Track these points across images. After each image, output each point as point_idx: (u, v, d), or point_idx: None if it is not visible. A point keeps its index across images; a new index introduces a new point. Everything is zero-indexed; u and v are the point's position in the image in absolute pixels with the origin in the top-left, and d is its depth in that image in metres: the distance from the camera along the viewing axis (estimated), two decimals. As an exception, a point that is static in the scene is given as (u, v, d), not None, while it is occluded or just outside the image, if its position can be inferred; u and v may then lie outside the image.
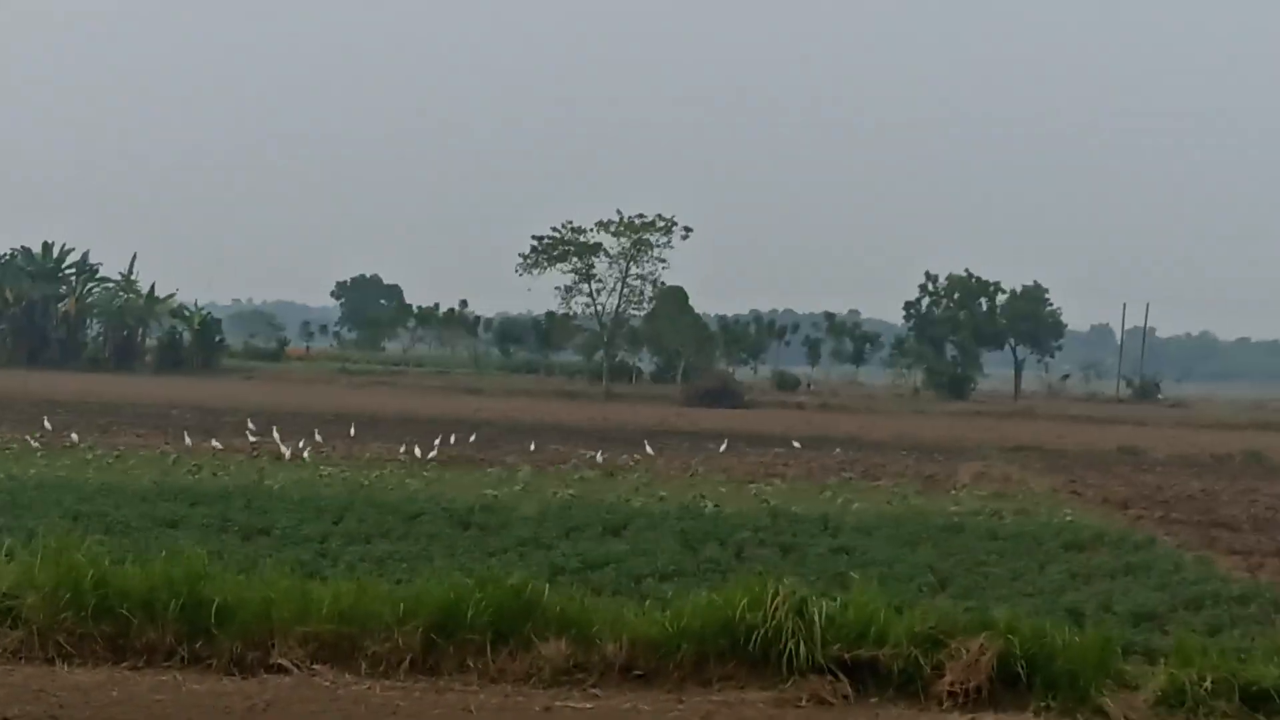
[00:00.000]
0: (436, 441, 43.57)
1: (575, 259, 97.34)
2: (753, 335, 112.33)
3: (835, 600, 15.98)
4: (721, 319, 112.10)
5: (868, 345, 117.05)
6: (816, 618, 15.40)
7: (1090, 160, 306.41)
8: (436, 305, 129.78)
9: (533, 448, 45.49)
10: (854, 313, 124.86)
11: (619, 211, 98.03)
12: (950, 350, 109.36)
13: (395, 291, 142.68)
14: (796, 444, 52.63)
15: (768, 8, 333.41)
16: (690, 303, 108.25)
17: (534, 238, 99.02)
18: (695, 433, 59.09)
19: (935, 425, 78.47)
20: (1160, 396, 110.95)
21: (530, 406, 79.87)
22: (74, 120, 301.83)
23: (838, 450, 52.53)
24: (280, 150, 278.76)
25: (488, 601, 15.27)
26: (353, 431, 49.14)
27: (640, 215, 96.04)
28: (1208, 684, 14.85)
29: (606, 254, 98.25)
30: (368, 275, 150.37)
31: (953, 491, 38.64)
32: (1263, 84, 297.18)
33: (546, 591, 15.89)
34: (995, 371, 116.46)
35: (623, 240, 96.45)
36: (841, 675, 15.13)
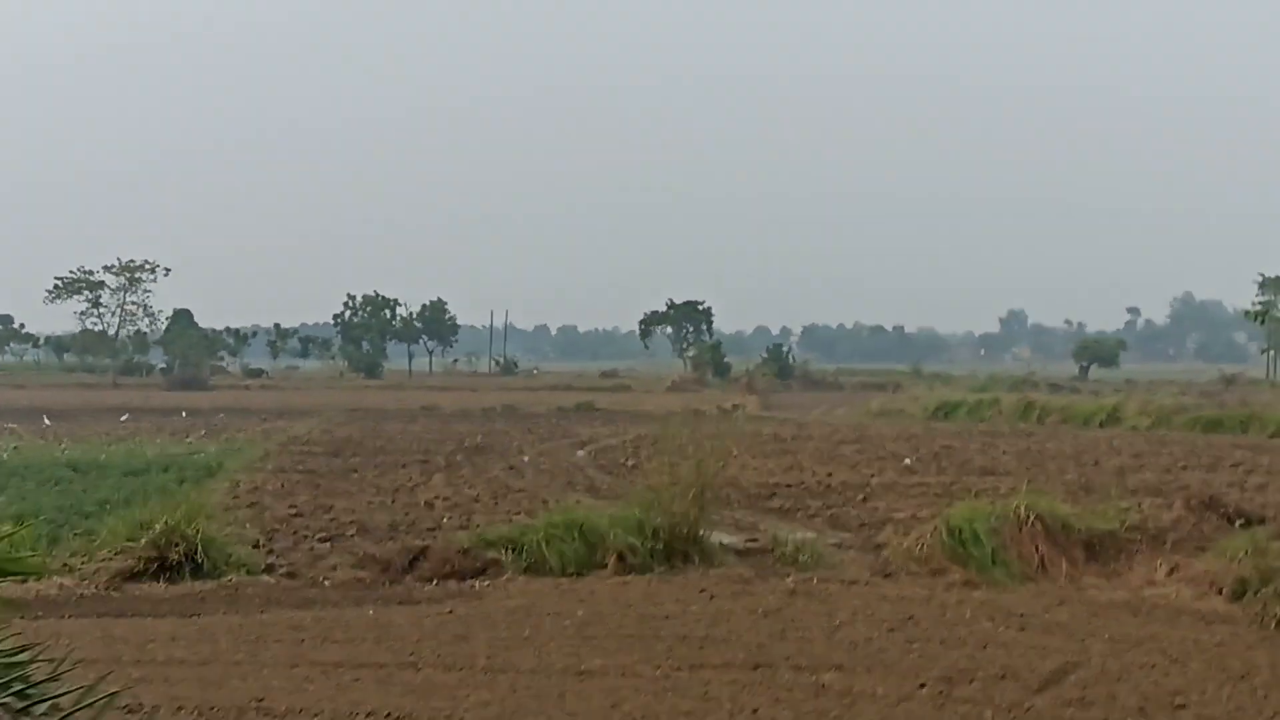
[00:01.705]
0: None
1: (86, 292, 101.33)
2: (229, 341, 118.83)
3: None
4: (209, 330, 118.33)
5: (310, 345, 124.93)
6: None
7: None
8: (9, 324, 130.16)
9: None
10: (302, 324, 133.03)
11: (118, 258, 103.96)
12: (366, 346, 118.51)
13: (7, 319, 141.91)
14: (184, 414, 53.09)
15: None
16: (196, 319, 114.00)
17: (55, 278, 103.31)
18: (146, 409, 57.67)
19: (346, 397, 77.36)
20: (521, 371, 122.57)
21: (50, 395, 76.51)
22: None
23: (183, 414, 53.03)
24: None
25: None
26: None
27: (133, 260, 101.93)
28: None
29: (109, 288, 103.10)
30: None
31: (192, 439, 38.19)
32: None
33: None
34: (417, 361, 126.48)
35: (120, 278, 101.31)
36: None
